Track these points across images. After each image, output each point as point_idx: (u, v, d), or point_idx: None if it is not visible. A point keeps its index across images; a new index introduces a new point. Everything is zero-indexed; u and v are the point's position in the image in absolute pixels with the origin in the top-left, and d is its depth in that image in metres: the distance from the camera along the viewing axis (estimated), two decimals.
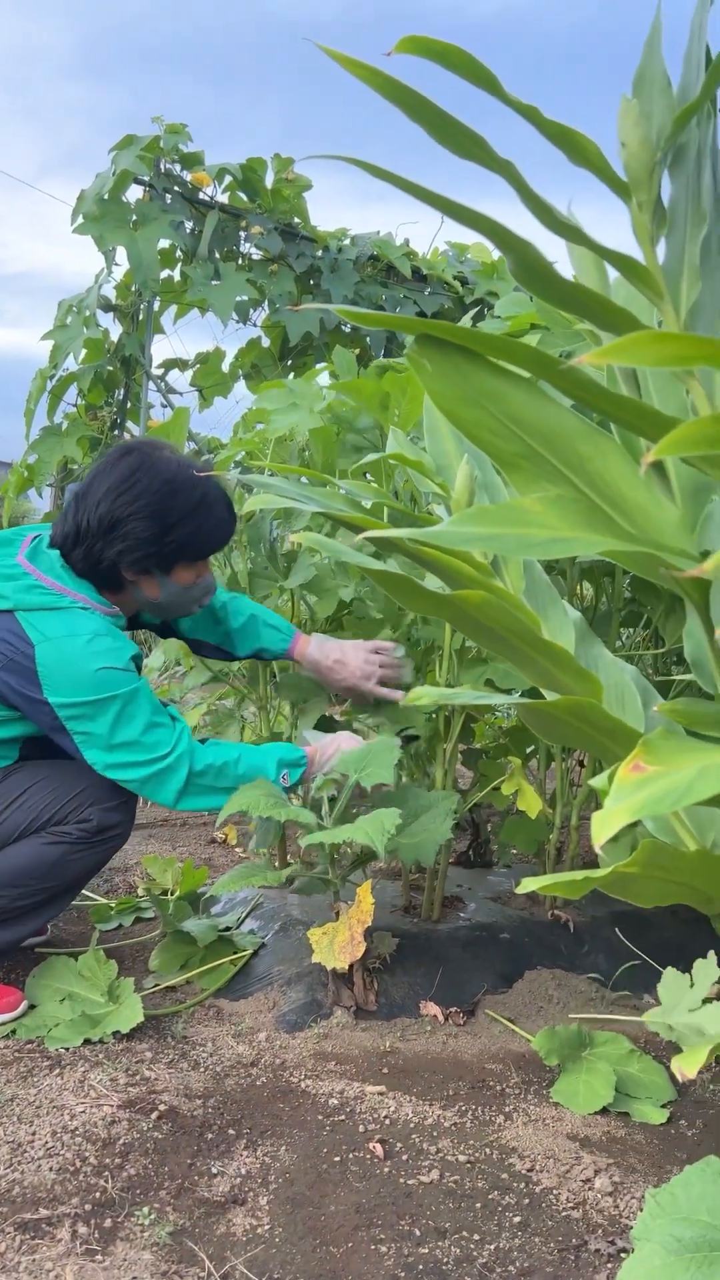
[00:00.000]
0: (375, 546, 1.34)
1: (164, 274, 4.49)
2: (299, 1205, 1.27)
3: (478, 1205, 1.28)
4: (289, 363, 4.98)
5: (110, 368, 4.46)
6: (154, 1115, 1.44)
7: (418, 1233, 1.22)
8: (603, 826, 0.73)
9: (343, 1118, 1.47)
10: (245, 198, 4.71)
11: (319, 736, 1.89)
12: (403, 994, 1.82)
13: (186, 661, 2.56)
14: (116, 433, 4.52)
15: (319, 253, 4.84)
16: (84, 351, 4.34)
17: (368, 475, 2.14)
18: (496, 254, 4.24)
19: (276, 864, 2.32)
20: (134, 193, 4.32)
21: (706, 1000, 1.93)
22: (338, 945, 1.67)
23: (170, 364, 4.85)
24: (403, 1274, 1.15)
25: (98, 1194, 1.26)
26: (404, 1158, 1.38)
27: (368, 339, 4.98)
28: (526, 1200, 1.30)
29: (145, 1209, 1.24)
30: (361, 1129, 1.44)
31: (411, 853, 1.80)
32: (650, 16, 0.99)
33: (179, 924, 1.96)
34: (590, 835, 0.75)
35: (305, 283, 4.85)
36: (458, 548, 0.98)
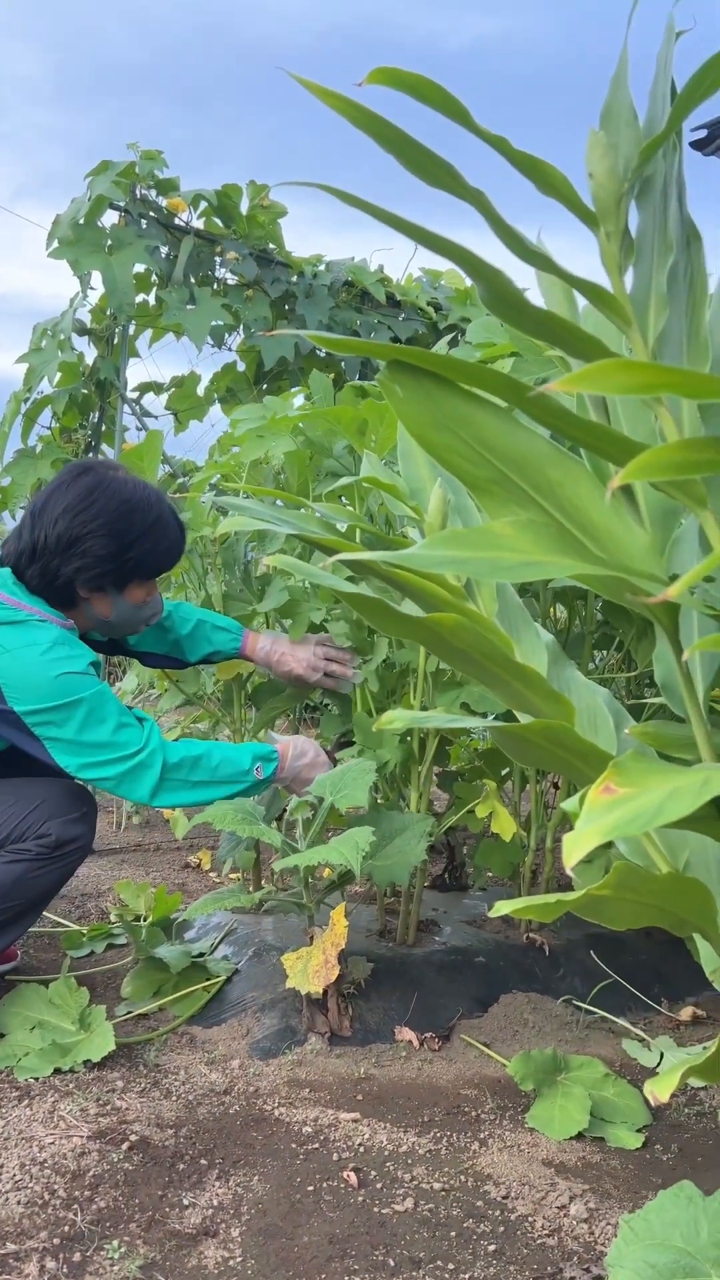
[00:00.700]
0: (349, 569, 1.34)
1: (139, 298, 4.51)
2: (271, 1236, 1.25)
3: (452, 1234, 1.27)
4: (264, 387, 4.99)
5: (85, 391, 4.46)
6: (125, 1146, 1.42)
7: (392, 1263, 1.21)
8: (574, 848, 0.73)
9: (316, 1146, 1.45)
10: (220, 223, 4.74)
11: (282, 737, 1.91)
12: (378, 1019, 1.81)
13: (160, 684, 2.55)
14: (91, 455, 4.51)
15: (294, 278, 4.87)
16: (59, 375, 4.34)
17: (343, 499, 2.15)
18: (470, 280, 4.28)
19: (250, 888, 2.31)
20: (110, 217, 4.33)
21: (682, 1022, 1.93)
22: (311, 969, 1.66)
23: (145, 387, 4.86)
24: None
25: (66, 1227, 1.24)
26: (378, 1186, 1.36)
27: (343, 364, 5.01)
28: (502, 1228, 1.29)
29: (115, 1242, 1.22)
30: (335, 1157, 1.43)
31: (385, 875, 1.79)
32: (617, 52, 1.01)
33: (152, 950, 1.94)
34: (562, 857, 0.75)
35: (280, 308, 4.88)
36: (430, 570, 0.98)
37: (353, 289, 5.06)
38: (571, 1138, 1.50)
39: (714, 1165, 1.47)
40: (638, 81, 1.01)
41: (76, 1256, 1.19)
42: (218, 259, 4.70)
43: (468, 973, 1.96)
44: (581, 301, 1.15)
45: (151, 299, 4.61)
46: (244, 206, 4.72)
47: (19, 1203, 1.28)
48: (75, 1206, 1.28)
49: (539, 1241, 1.26)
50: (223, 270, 4.74)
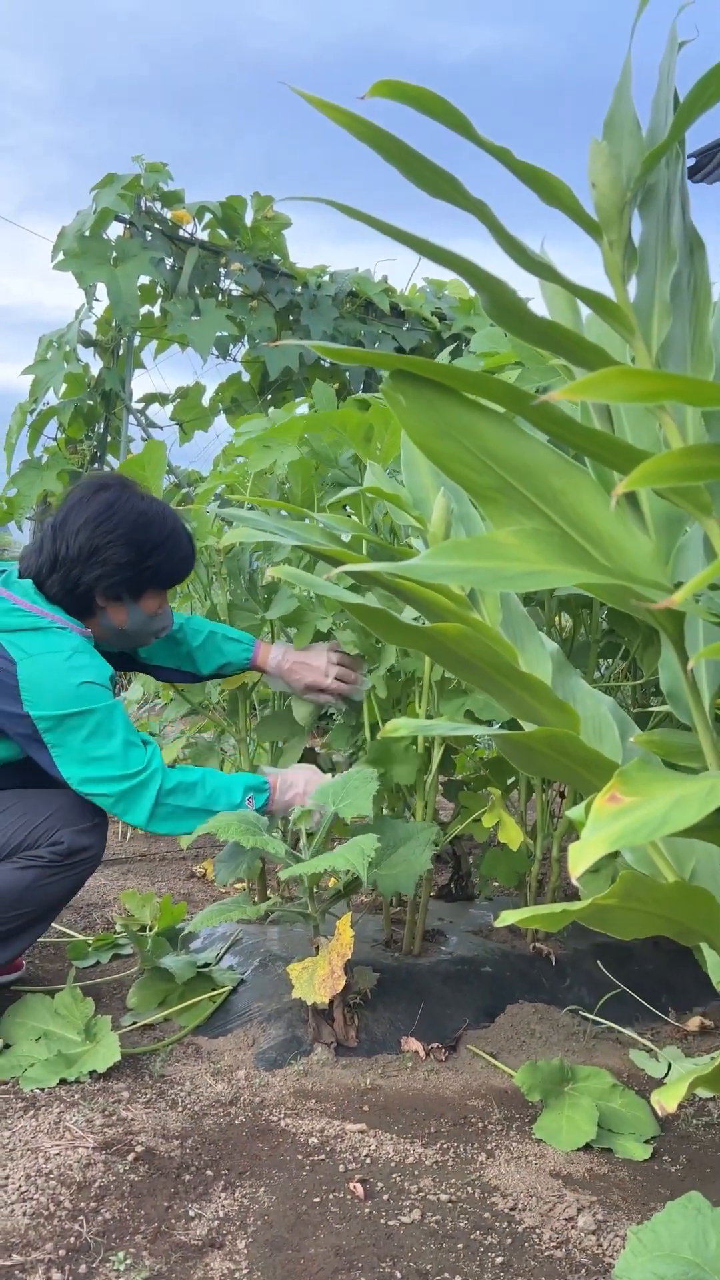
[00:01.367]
0: (354, 580, 1.34)
1: (144, 310, 4.52)
2: (278, 1248, 1.25)
3: (460, 1246, 1.26)
4: (269, 397, 5.01)
5: (90, 402, 4.48)
6: (130, 1157, 1.41)
7: (399, 1275, 1.20)
8: (579, 858, 0.73)
9: (323, 1157, 1.45)
10: (225, 235, 4.76)
11: (277, 771, 1.92)
12: (384, 1030, 1.80)
13: (165, 694, 2.56)
14: (97, 466, 4.53)
15: (298, 289, 4.89)
16: (64, 386, 4.36)
17: (347, 509, 2.15)
18: (473, 290, 4.29)
19: (255, 898, 2.30)
20: (115, 230, 4.36)
21: (689, 1032, 1.92)
22: (317, 980, 1.66)
23: (150, 398, 4.88)
24: None
25: (72, 1239, 1.23)
26: (385, 1198, 1.36)
27: (347, 374, 5.03)
28: (509, 1240, 1.28)
29: (121, 1254, 1.21)
30: (342, 1168, 1.42)
31: (391, 884, 1.79)
32: (619, 62, 1.01)
33: (157, 960, 1.94)
34: (568, 866, 0.75)
35: (285, 318, 4.90)
36: (434, 581, 0.98)
37: (357, 299, 5.08)
38: (579, 1149, 1.50)
39: None
40: (640, 91, 1.01)
41: (82, 1268, 1.19)
42: (222, 270, 4.72)
43: (474, 983, 1.96)
44: (585, 311, 1.15)
45: (156, 310, 4.63)
46: (248, 218, 4.75)
47: (25, 1214, 1.27)
48: (81, 1218, 1.28)
49: (547, 1253, 1.26)
50: (227, 281, 4.76)
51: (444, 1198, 1.36)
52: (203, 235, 4.70)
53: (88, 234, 4.15)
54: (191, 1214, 1.31)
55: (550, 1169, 1.45)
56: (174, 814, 1.73)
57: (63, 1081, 1.61)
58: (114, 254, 4.19)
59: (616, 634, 2.14)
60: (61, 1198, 1.31)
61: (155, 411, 4.87)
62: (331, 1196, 1.35)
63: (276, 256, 4.86)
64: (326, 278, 5.02)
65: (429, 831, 1.86)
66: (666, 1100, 0.82)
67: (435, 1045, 1.79)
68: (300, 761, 2.29)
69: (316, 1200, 1.35)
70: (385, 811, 2.09)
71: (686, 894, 0.90)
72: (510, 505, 0.95)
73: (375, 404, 1.96)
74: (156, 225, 4.48)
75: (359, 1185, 1.37)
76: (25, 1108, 1.54)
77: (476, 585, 0.89)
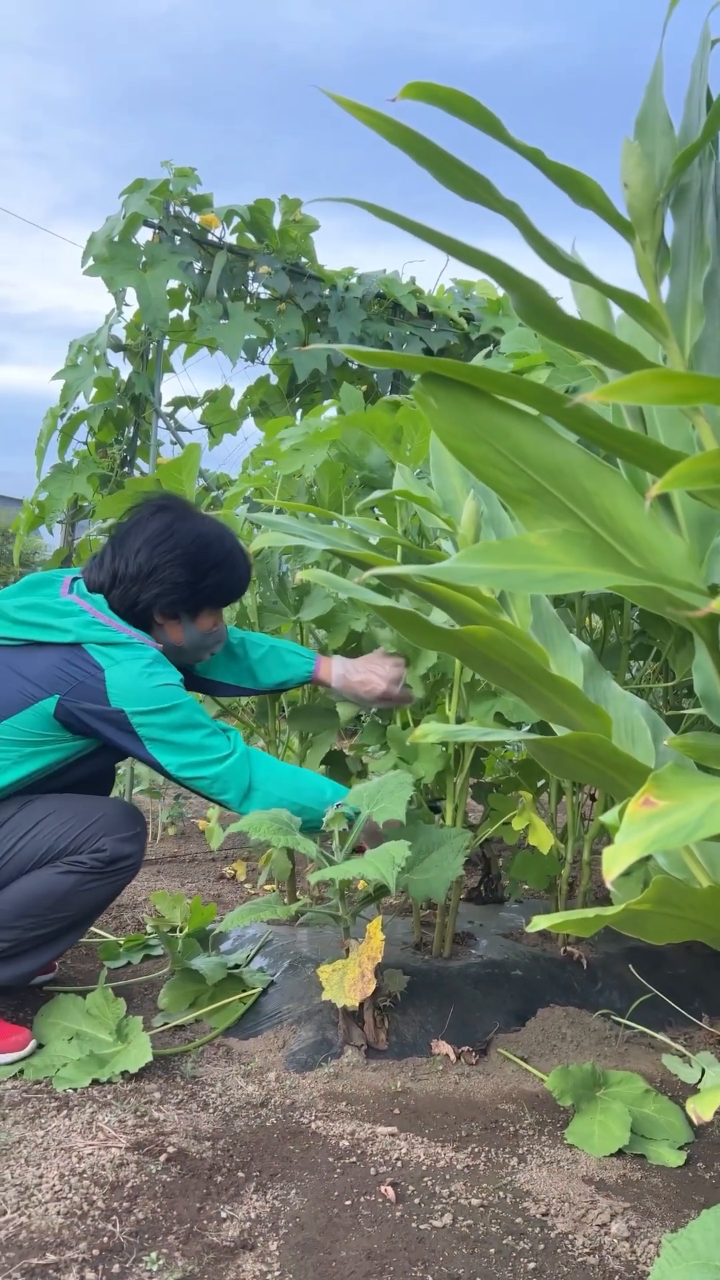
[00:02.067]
0: (384, 583, 1.34)
1: (173, 314, 4.54)
2: (309, 1250, 1.25)
3: (492, 1251, 1.26)
4: (297, 400, 5.01)
5: (120, 406, 4.50)
6: (163, 1157, 1.42)
7: (431, 1279, 1.20)
8: (614, 862, 0.73)
9: (354, 1160, 1.45)
10: (253, 238, 4.77)
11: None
12: (414, 1032, 1.80)
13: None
14: (126, 470, 4.55)
15: (326, 291, 4.89)
16: (94, 390, 4.38)
17: (375, 511, 2.15)
18: (502, 291, 4.27)
19: (286, 900, 2.31)
20: (144, 234, 4.37)
21: None
22: (348, 982, 1.66)
23: (180, 402, 4.90)
24: None
25: (105, 1238, 1.24)
26: (416, 1201, 1.35)
27: (375, 376, 5.02)
28: (541, 1245, 1.27)
29: (154, 1254, 1.22)
30: (373, 1171, 1.42)
31: (422, 889, 1.79)
32: (644, 61, 1.00)
33: (188, 962, 1.95)
34: (602, 871, 0.75)
35: (312, 321, 4.90)
36: (464, 583, 0.98)
37: (384, 301, 5.07)
38: (611, 1154, 1.49)
39: None
40: (672, 90, 1.00)
41: (115, 1268, 1.19)
42: (250, 273, 4.73)
43: (504, 986, 1.95)
44: (616, 311, 1.15)
45: (185, 314, 4.65)
46: (276, 221, 4.76)
47: (59, 1213, 1.28)
48: (114, 1218, 1.28)
49: (579, 1260, 1.25)
50: (255, 285, 4.77)
51: (475, 1202, 1.36)
52: (231, 239, 4.71)
53: (117, 239, 4.17)
54: (223, 1215, 1.31)
55: (583, 1174, 1.44)
56: (266, 799, 1.78)
57: (95, 1082, 1.62)
58: (143, 258, 4.21)
59: (648, 635, 2.13)
60: (95, 1197, 1.32)
61: (184, 415, 4.88)
62: (363, 1199, 1.35)
63: (304, 259, 4.86)
64: (354, 280, 5.02)
65: (462, 838, 1.86)
66: (702, 1108, 0.81)
67: (466, 1048, 1.78)
68: (326, 763, 2.29)
69: (348, 1203, 1.35)
70: (415, 811, 2.09)
71: None
72: (542, 507, 0.95)
73: (405, 405, 1.96)
74: (185, 229, 4.50)
75: (390, 1188, 1.37)
76: (58, 1107, 1.55)
77: (508, 588, 0.88)
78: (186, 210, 4.53)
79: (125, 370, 4.54)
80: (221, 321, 4.43)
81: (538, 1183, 1.41)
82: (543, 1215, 1.34)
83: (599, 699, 1.26)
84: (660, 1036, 1.88)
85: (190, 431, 4.79)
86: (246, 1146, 1.48)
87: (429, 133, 0.88)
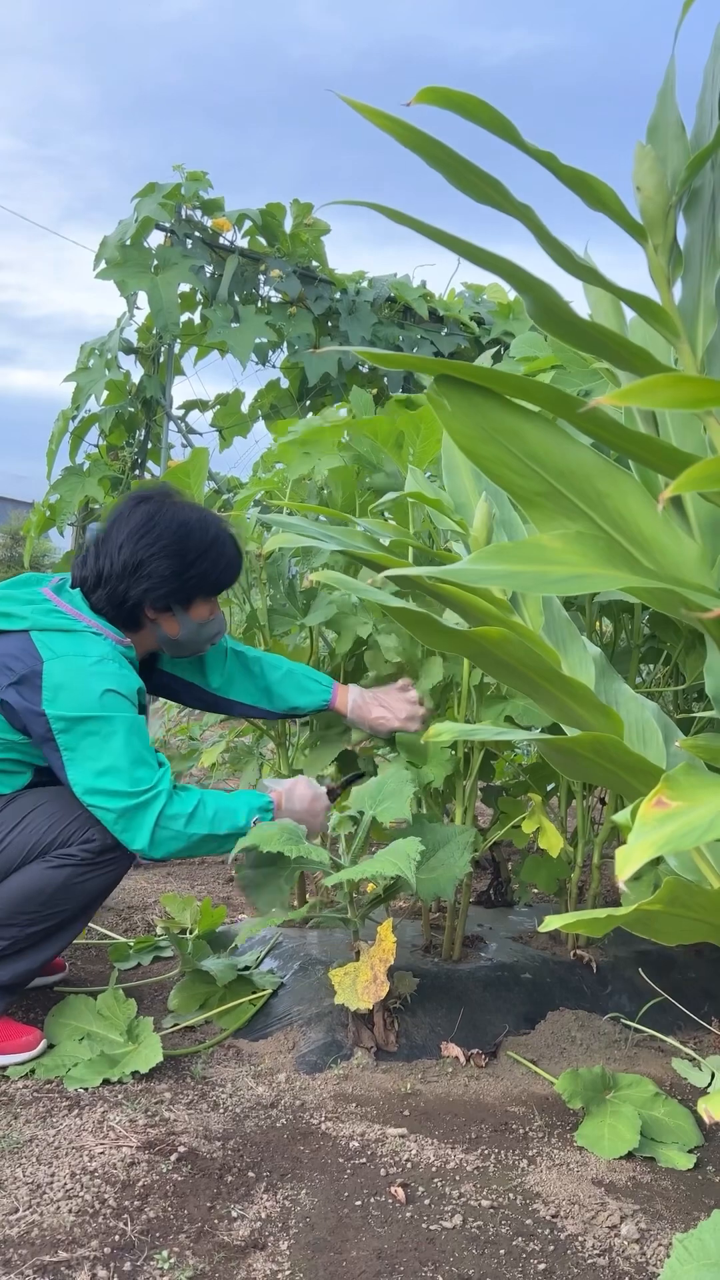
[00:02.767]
0: (395, 584, 1.35)
1: (184, 317, 4.56)
2: (319, 1250, 1.25)
3: (501, 1252, 1.26)
4: (307, 403, 5.02)
5: (131, 409, 4.52)
6: (173, 1157, 1.42)
7: (440, 1279, 1.20)
8: (627, 861, 0.73)
9: (364, 1161, 1.45)
10: (264, 242, 4.79)
11: (279, 783, 1.89)
12: (423, 1035, 1.80)
13: None
14: (137, 473, 4.56)
15: (337, 295, 4.90)
16: (105, 393, 4.40)
17: (385, 514, 2.16)
18: (512, 294, 4.28)
19: (295, 902, 2.31)
20: (155, 238, 4.39)
21: None
22: (360, 985, 1.66)
23: (190, 405, 4.91)
24: None
25: (117, 1236, 1.25)
26: (426, 1202, 1.36)
27: (385, 379, 5.02)
28: (551, 1247, 1.27)
29: (164, 1252, 1.23)
30: (383, 1172, 1.42)
31: (430, 888, 1.79)
32: (657, 66, 1.01)
33: (198, 963, 1.95)
34: (612, 874, 0.75)
35: (323, 324, 4.91)
36: (477, 585, 0.99)
37: (395, 305, 5.08)
38: (621, 1157, 1.48)
39: None
40: (685, 95, 1.01)
41: (127, 1265, 1.20)
42: (261, 277, 4.74)
43: (514, 989, 1.95)
44: (629, 314, 1.15)
45: (196, 317, 4.66)
46: (288, 225, 4.77)
47: (70, 1211, 1.29)
48: (125, 1216, 1.29)
49: (589, 1261, 1.25)
50: (267, 288, 4.78)
51: (485, 1203, 1.36)
52: (242, 242, 4.73)
53: (129, 243, 4.19)
54: (234, 1215, 1.31)
55: (592, 1177, 1.44)
56: (175, 838, 1.69)
57: (106, 1081, 1.62)
58: (155, 262, 4.23)
59: (658, 638, 2.13)
60: (106, 1196, 1.33)
61: (195, 418, 4.90)
62: (373, 1200, 1.36)
63: (315, 263, 4.88)
64: (365, 283, 5.03)
65: (468, 834, 1.86)
66: (714, 1108, 0.81)
67: (475, 1051, 1.78)
68: (337, 763, 2.30)
69: (358, 1203, 1.35)
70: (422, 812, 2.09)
71: None
72: (554, 509, 0.96)
73: (414, 402, 1.96)
74: (197, 233, 4.52)
75: (400, 1189, 1.37)
76: (70, 1107, 1.56)
77: (521, 589, 0.89)
78: (198, 214, 4.55)
79: (137, 373, 4.56)
80: (233, 325, 4.44)
81: (547, 1184, 1.41)
82: (552, 1217, 1.34)
83: (610, 701, 1.26)
84: (670, 1040, 1.87)
85: (201, 434, 4.81)
86: (257, 1147, 1.48)
87: (440, 137, 0.89)
